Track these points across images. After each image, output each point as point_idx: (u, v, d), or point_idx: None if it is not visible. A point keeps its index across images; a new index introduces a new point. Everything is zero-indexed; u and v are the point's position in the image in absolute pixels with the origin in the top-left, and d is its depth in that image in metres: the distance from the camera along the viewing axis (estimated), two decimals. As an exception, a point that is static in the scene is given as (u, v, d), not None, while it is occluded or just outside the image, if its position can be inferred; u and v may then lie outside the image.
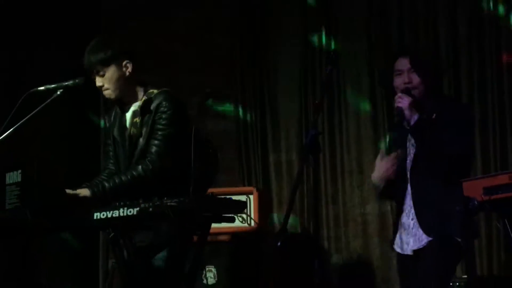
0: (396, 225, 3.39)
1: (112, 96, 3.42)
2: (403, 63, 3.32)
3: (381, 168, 3.36)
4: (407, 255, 3.30)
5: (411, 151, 3.32)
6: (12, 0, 4.81)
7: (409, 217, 3.29)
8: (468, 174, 3.31)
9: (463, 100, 4.82)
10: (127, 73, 3.38)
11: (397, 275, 4.88)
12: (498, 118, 4.86)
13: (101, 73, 3.36)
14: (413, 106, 3.22)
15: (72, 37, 5.07)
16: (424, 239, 3.21)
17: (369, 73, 5.20)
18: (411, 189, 3.28)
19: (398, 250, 3.37)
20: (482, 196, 2.77)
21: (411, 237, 3.27)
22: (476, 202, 2.79)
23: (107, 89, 3.39)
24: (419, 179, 3.26)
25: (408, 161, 3.32)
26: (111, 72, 3.37)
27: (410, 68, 3.30)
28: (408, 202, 3.30)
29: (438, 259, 3.17)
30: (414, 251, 3.25)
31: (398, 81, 3.32)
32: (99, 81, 3.38)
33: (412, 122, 3.21)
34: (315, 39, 5.34)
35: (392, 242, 3.42)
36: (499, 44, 4.82)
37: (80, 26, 5.24)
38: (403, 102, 3.23)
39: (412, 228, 3.26)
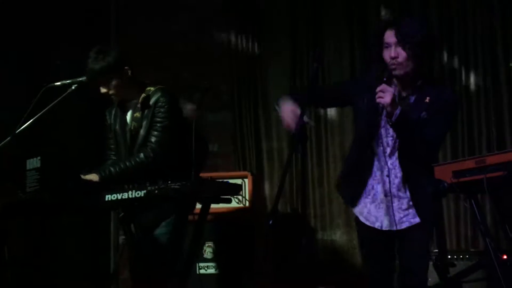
0: (359, 192, 3.08)
1: (116, 99, 3.47)
2: (390, 36, 2.94)
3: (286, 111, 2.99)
4: (374, 229, 3.05)
5: (390, 131, 3.00)
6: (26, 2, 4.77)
7: (382, 193, 3.02)
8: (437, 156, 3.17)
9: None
10: (127, 78, 3.38)
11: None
12: (466, 107, 4.87)
13: (105, 82, 3.36)
14: (394, 100, 2.85)
15: (84, 35, 5.04)
16: (405, 221, 2.99)
17: (350, 70, 5.19)
18: (399, 172, 2.99)
19: (363, 219, 3.10)
20: (451, 179, 2.78)
21: (385, 216, 3.02)
22: (446, 184, 2.80)
23: (112, 94, 3.41)
24: (406, 163, 2.98)
25: (385, 140, 3.01)
26: (114, 81, 3.37)
27: (397, 41, 2.92)
28: (384, 180, 3.03)
29: (424, 241, 3.02)
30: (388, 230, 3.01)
31: (386, 55, 2.95)
32: (103, 89, 3.39)
33: (394, 117, 2.85)
34: (303, 34, 5.33)
35: (353, 204, 3.13)
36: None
37: (91, 25, 5.21)
38: (385, 97, 2.83)
39: (389, 208, 3.01)
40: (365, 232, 3.10)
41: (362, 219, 3.10)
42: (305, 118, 2.75)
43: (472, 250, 4.53)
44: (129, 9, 5.64)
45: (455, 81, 4.91)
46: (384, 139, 3.02)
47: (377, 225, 3.04)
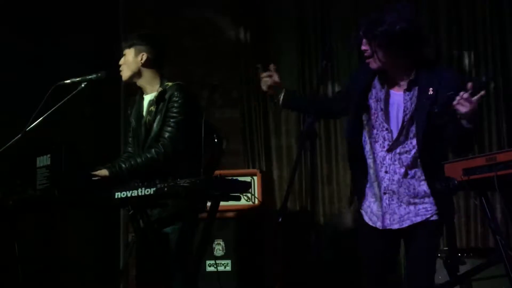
0: (362, 191, 3.00)
1: (124, 76, 3.54)
2: (363, 43, 2.87)
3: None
4: (375, 228, 2.95)
5: (385, 125, 2.90)
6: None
7: (381, 191, 2.92)
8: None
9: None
10: (140, 62, 3.44)
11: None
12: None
13: (124, 52, 3.51)
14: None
15: (92, 31, 5.07)
16: (407, 220, 2.89)
17: (359, 61, 5.18)
18: (398, 169, 2.88)
19: (367, 219, 2.99)
20: (462, 176, 2.76)
21: (386, 214, 2.91)
22: (456, 182, 2.78)
23: (121, 68, 3.52)
24: (411, 159, 2.87)
25: (381, 134, 2.91)
26: (129, 55, 3.50)
27: (362, 36, 2.86)
28: (383, 177, 2.91)
29: (431, 243, 2.92)
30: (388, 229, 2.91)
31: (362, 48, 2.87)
32: (122, 60, 3.53)
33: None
34: (311, 31, 5.33)
35: (353, 204, 3.10)
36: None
37: (99, 20, 5.23)
38: (475, 105, 2.65)
39: (389, 205, 2.91)
40: (366, 231, 3.00)
41: (366, 218, 3.00)
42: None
43: (482, 247, 4.52)
44: (137, 5, 5.65)
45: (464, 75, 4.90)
46: (380, 133, 2.93)
47: (378, 224, 2.94)
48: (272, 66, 3.16)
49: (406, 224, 2.89)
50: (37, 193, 3.14)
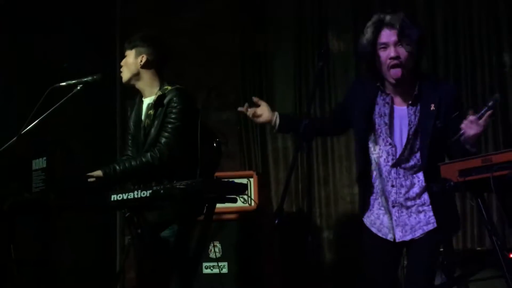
0: (367, 203, 3.03)
1: (123, 78, 3.53)
2: (388, 36, 2.83)
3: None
4: (384, 240, 2.98)
5: (388, 140, 2.94)
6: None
7: (390, 204, 2.96)
8: None
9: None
10: (140, 64, 3.43)
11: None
12: (472, 105, 4.86)
13: (125, 53, 3.52)
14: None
15: (89, 34, 5.06)
16: (418, 229, 2.92)
17: (355, 68, 5.20)
18: (406, 180, 2.93)
19: (375, 230, 3.03)
20: (458, 177, 2.77)
21: (397, 227, 2.95)
22: (452, 183, 2.78)
23: (122, 69, 3.52)
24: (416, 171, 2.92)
25: (385, 149, 2.94)
26: (129, 56, 3.50)
27: (397, 41, 2.82)
28: (389, 191, 2.96)
29: (433, 250, 2.96)
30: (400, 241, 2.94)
31: (384, 56, 2.85)
32: (123, 61, 3.53)
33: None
34: (308, 34, 5.34)
35: (361, 214, 3.08)
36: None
37: (96, 23, 5.22)
38: (472, 129, 2.75)
39: (400, 217, 2.95)
40: (373, 241, 3.03)
41: (374, 230, 3.03)
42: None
43: (478, 249, 4.52)
44: (133, 7, 5.64)
45: (460, 78, 4.91)
46: (384, 148, 2.96)
47: (389, 237, 2.97)
48: (255, 100, 3.16)
49: (418, 233, 2.93)
50: (33, 196, 3.13)
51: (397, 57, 2.82)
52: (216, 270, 4.37)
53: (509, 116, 4.80)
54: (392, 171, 2.95)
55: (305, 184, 5.08)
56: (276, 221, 2.62)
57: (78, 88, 3.41)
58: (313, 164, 5.14)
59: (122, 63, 3.53)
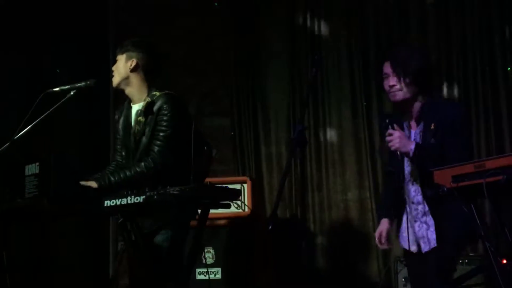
0: (400, 221, 3.25)
1: (114, 82, 3.52)
2: (386, 67, 3.15)
3: None
4: (411, 252, 3.18)
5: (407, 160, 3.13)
6: (25, 5, 4.78)
7: (412, 219, 3.16)
8: None
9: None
10: (129, 68, 3.42)
11: (374, 252, 4.93)
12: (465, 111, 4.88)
13: (117, 58, 3.50)
14: (405, 137, 3.02)
15: (82, 40, 5.05)
16: (432, 240, 3.10)
17: (349, 74, 5.22)
18: (421, 199, 3.12)
19: (402, 242, 3.25)
20: (451, 183, 2.77)
21: (415, 240, 3.15)
22: (445, 189, 2.79)
23: (113, 74, 3.49)
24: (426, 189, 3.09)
25: (406, 168, 3.16)
26: (120, 60, 3.48)
27: (393, 71, 3.12)
28: (411, 207, 3.16)
29: (445, 257, 3.10)
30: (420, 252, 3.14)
31: (385, 85, 3.15)
32: (114, 65, 3.52)
33: (411, 154, 3.00)
34: (301, 38, 5.35)
35: (397, 231, 3.29)
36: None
37: (90, 30, 5.22)
38: (394, 143, 3.00)
39: (420, 231, 3.14)
40: (407, 256, 3.26)
41: (402, 242, 3.24)
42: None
43: (472, 254, 4.52)
44: (127, 14, 5.64)
45: (453, 86, 4.93)
46: (405, 168, 3.16)
47: (413, 248, 3.14)
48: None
49: (432, 245, 3.11)
50: (25, 202, 3.11)
51: (392, 86, 3.10)
52: (209, 276, 4.36)
53: (502, 123, 4.81)
54: (412, 189, 3.15)
55: (299, 190, 5.09)
56: (270, 227, 2.62)
57: (71, 93, 3.40)
58: (307, 170, 5.15)
59: (113, 68, 3.52)
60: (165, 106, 3.33)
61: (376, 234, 3.31)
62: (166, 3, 5.58)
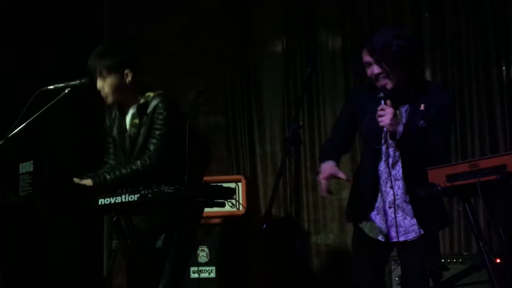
0: (368, 208, 3.07)
1: (108, 100, 3.39)
2: (365, 55, 2.98)
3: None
4: (376, 240, 3.04)
5: (391, 142, 2.99)
6: (19, 2, 4.76)
7: (386, 205, 3.02)
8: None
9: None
10: (127, 81, 3.35)
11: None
12: (459, 113, 4.90)
13: (103, 76, 3.33)
14: (395, 116, 2.88)
15: (77, 37, 5.04)
16: (412, 232, 2.99)
17: (344, 74, 5.22)
18: (401, 184, 2.99)
19: (367, 231, 3.07)
20: (445, 182, 2.78)
21: (391, 227, 3.00)
22: (439, 188, 2.79)
23: (105, 93, 3.37)
24: (408, 174, 2.98)
25: (384, 155, 3.02)
26: (112, 79, 3.34)
27: (375, 60, 2.95)
28: (388, 192, 3.02)
29: (424, 253, 2.98)
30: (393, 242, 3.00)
31: (368, 72, 2.99)
32: (100, 83, 3.35)
33: (398, 136, 2.88)
34: (296, 37, 5.35)
35: (356, 219, 3.12)
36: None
37: (84, 27, 5.21)
38: (385, 119, 2.86)
39: (395, 218, 2.99)
40: (364, 241, 3.08)
41: (366, 230, 3.08)
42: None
43: (465, 253, 4.54)
44: (121, 11, 5.64)
45: (447, 84, 4.94)
46: (385, 151, 3.03)
47: (380, 237, 3.03)
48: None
49: (411, 236, 2.98)
50: (19, 200, 3.10)
51: (378, 74, 2.94)
52: (203, 275, 4.36)
53: (496, 123, 4.82)
54: (392, 172, 3.01)
55: (293, 189, 5.09)
56: (264, 226, 2.61)
57: (66, 91, 3.38)
58: (301, 169, 5.15)
59: (102, 85, 3.33)
60: (160, 105, 3.33)
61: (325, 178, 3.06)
62: (160, 1, 5.57)
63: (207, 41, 5.51)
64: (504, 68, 4.86)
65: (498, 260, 3.05)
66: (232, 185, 4.51)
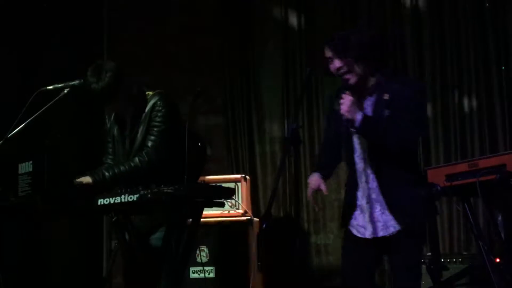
0: (352, 207, 2.99)
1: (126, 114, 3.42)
2: (327, 51, 2.99)
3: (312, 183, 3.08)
4: (363, 239, 2.94)
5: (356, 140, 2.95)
6: (20, 3, 4.76)
7: (363, 201, 2.93)
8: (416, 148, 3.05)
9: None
10: (131, 96, 3.35)
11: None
12: (458, 113, 4.90)
13: (110, 112, 3.42)
14: (354, 105, 2.83)
15: (77, 37, 5.04)
16: (390, 226, 2.87)
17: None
18: (375, 177, 2.90)
19: (355, 231, 2.98)
20: (444, 182, 2.78)
21: (369, 223, 2.91)
22: (439, 188, 2.79)
23: (116, 110, 3.41)
24: (379, 166, 2.89)
25: (358, 149, 2.95)
26: (119, 102, 3.34)
27: (334, 53, 2.95)
28: (364, 187, 2.93)
29: (412, 249, 2.87)
30: (375, 238, 2.90)
31: (331, 68, 2.98)
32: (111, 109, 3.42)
33: (357, 123, 2.82)
34: (294, 36, 5.35)
35: (345, 222, 3.02)
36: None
37: (84, 27, 5.21)
38: (344, 106, 2.83)
39: (372, 213, 2.90)
40: (353, 241, 2.99)
41: (354, 231, 2.99)
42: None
43: (465, 253, 4.54)
44: (121, 11, 5.64)
45: (447, 83, 4.94)
46: (358, 146, 2.95)
47: (367, 234, 2.93)
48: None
49: (390, 230, 2.87)
50: (19, 200, 3.10)
51: (338, 69, 2.94)
52: (203, 275, 4.36)
53: (495, 123, 4.82)
54: (366, 167, 2.93)
55: (293, 189, 5.08)
56: (264, 226, 2.61)
57: (65, 91, 3.38)
58: (301, 168, 5.15)
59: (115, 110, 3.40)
60: (159, 103, 3.35)
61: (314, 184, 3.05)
62: (160, 1, 5.57)
63: (207, 41, 5.51)
64: (504, 68, 4.86)
65: (498, 260, 3.05)
66: (232, 185, 4.50)
